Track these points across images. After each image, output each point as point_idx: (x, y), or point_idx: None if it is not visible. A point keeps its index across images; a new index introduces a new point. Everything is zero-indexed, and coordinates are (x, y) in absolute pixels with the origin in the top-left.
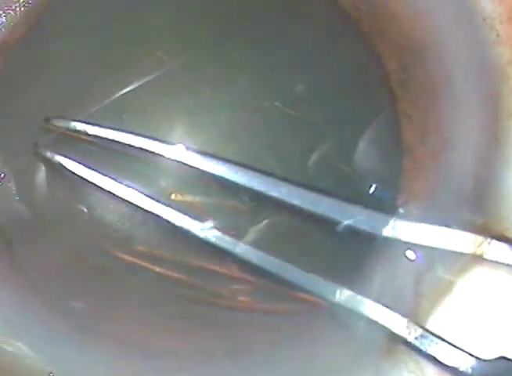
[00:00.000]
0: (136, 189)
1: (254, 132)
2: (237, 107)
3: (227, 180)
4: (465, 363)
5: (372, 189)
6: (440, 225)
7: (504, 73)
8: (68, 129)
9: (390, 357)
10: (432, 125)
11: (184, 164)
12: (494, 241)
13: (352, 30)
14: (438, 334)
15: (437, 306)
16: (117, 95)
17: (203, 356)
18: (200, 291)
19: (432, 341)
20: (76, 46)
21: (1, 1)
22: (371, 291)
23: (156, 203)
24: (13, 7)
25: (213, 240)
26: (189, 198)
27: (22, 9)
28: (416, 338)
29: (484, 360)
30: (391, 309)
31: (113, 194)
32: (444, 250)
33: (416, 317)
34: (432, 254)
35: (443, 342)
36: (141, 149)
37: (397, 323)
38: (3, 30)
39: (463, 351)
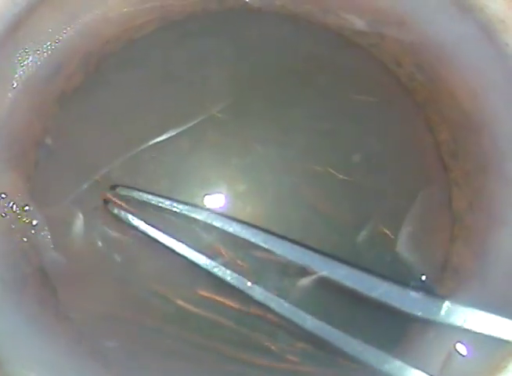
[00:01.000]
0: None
1: (302, 195)
2: (287, 169)
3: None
4: None
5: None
6: (488, 311)
7: None
8: (132, 197)
9: None
10: (482, 199)
11: (232, 234)
12: None
13: (407, 100)
14: None
15: None
16: (170, 149)
17: None
18: (245, 347)
19: None
20: (131, 97)
21: (61, 50)
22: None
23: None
24: (73, 55)
25: (257, 296)
26: (234, 255)
27: (81, 57)
28: None
29: None
30: None
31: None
32: (492, 337)
33: None
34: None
35: None
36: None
37: None
38: (61, 78)
39: None
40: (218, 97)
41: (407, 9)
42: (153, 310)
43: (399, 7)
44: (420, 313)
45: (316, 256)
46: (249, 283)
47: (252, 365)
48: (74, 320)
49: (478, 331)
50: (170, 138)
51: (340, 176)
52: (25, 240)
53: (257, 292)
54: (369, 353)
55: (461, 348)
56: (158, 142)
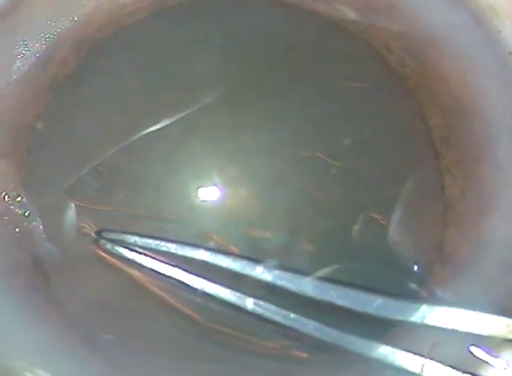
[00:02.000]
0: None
1: (292, 180)
2: (277, 155)
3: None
4: None
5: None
6: (473, 307)
7: None
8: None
9: None
10: (475, 186)
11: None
12: None
13: (398, 86)
14: None
15: None
16: (161, 137)
17: None
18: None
19: None
20: (122, 84)
21: (53, 37)
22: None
23: None
24: (65, 42)
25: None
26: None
27: (73, 44)
28: None
29: None
30: None
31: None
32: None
33: None
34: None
35: None
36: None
37: None
38: (54, 65)
39: None
40: (208, 85)
41: None
42: (146, 298)
43: None
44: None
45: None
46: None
47: (245, 353)
48: (66, 307)
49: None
50: (162, 126)
51: (331, 162)
52: (17, 230)
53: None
54: (358, 343)
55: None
56: (150, 131)
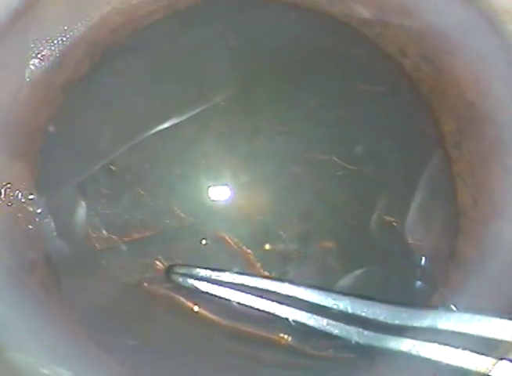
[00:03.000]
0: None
1: (306, 183)
2: (291, 158)
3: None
4: None
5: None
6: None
7: None
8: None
9: None
10: (485, 193)
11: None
12: None
13: (412, 90)
14: None
15: None
16: (173, 137)
17: None
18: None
19: None
20: (135, 86)
21: (66, 40)
22: None
23: None
24: (78, 45)
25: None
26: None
27: (87, 47)
28: None
29: None
30: None
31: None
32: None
33: None
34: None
35: None
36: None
37: None
38: (67, 68)
39: None
40: (221, 86)
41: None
42: (155, 301)
43: None
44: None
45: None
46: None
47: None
48: (77, 308)
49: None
50: (173, 126)
51: (345, 165)
52: (30, 227)
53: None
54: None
55: None
56: (162, 130)
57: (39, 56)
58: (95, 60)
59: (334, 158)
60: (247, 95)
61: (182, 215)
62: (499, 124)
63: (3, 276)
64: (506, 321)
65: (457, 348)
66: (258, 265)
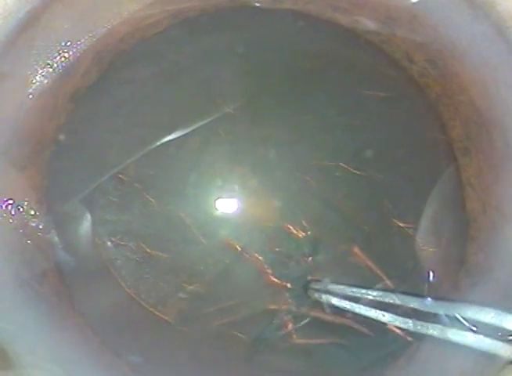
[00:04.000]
0: None
1: (316, 190)
2: (301, 166)
3: None
4: None
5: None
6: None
7: None
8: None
9: None
10: (494, 199)
11: None
12: None
13: (419, 96)
14: None
15: None
16: (182, 146)
17: None
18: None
19: None
20: (144, 94)
21: (74, 48)
22: None
23: None
24: (86, 54)
25: None
26: None
27: (95, 55)
28: None
29: None
30: None
31: None
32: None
33: None
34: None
35: None
36: None
37: None
38: (75, 76)
39: None
40: (230, 94)
41: (419, 6)
42: (166, 308)
43: (410, 4)
44: None
45: None
46: None
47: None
48: (88, 317)
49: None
50: (182, 135)
51: (352, 171)
52: (29, 242)
53: None
54: None
55: None
56: (171, 140)
57: (47, 65)
58: (104, 69)
59: (341, 164)
60: (255, 104)
61: (192, 222)
62: (507, 129)
63: (15, 286)
64: None
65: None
66: (269, 271)
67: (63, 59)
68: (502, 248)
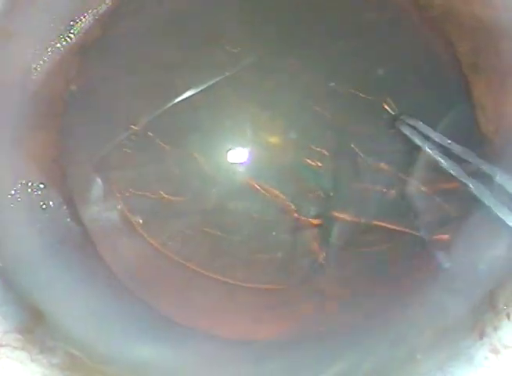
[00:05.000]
0: None
1: (327, 118)
2: (312, 95)
3: None
4: None
5: None
6: None
7: None
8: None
9: None
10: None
11: None
12: None
13: (423, 15)
14: None
15: None
16: (190, 92)
17: None
18: None
19: None
20: (149, 46)
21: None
22: None
23: None
24: (90, 8)
25: None
26: None
27: (98, 10)
28: None
29: None
30: None
31: None
32: None
33: None
34: None
35: None
36: None
37: None
38: (81, 32)
39: None
40: (234, 33)
41: None
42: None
43: None
44: None
45: None
46: None
47: None
48: (113, 268)
49: None
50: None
51: (361, 95)
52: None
53: None
54: None
55: None
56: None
57: (48, 24)
58: (106, 23)
59: (352, 90)
60: (261, 38)
61: (206, 165)
62: None
63: (44, 246)
64: None
65: None
66: (292, 206)
67: (63, 16)
68: None
